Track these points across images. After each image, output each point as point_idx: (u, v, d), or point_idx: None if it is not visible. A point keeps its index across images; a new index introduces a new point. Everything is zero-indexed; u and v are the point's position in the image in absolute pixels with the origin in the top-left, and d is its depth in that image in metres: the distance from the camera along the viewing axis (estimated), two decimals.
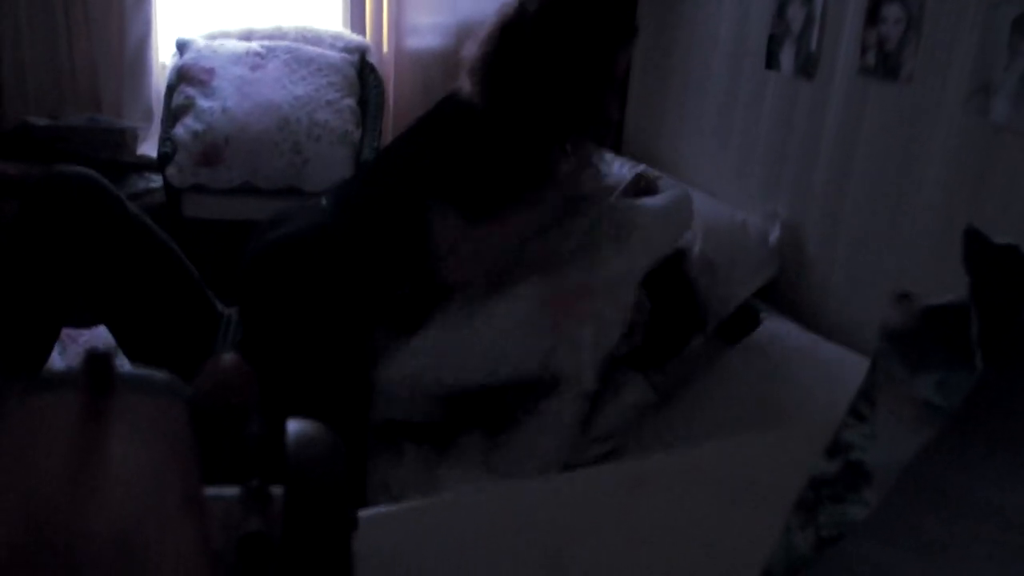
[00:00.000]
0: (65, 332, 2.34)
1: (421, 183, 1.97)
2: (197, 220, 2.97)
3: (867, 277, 2.04)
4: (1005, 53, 1.66)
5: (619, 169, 2.82)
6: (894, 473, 0.53)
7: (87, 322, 2.30)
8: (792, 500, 0.53)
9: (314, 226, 1.96)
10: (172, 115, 3.07)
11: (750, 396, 1.97)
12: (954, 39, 1.79)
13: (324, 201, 2.02)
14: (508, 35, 1.98)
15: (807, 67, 2.22)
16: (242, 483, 0.44)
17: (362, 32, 3.61)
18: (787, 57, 2.30)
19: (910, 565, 0.49)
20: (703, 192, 2.62)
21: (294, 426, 0.42)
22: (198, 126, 2.96)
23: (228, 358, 0.43)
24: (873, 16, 1.99)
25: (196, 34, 3.33)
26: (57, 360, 2.21)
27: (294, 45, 3.30)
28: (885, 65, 1.95)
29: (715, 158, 2.66)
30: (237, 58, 3.18)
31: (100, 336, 2.24)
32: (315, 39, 3.41)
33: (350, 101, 3.19)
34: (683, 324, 2.14)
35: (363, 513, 0.56)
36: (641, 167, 2.48)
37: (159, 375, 0.43)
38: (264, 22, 3.46)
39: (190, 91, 3.06)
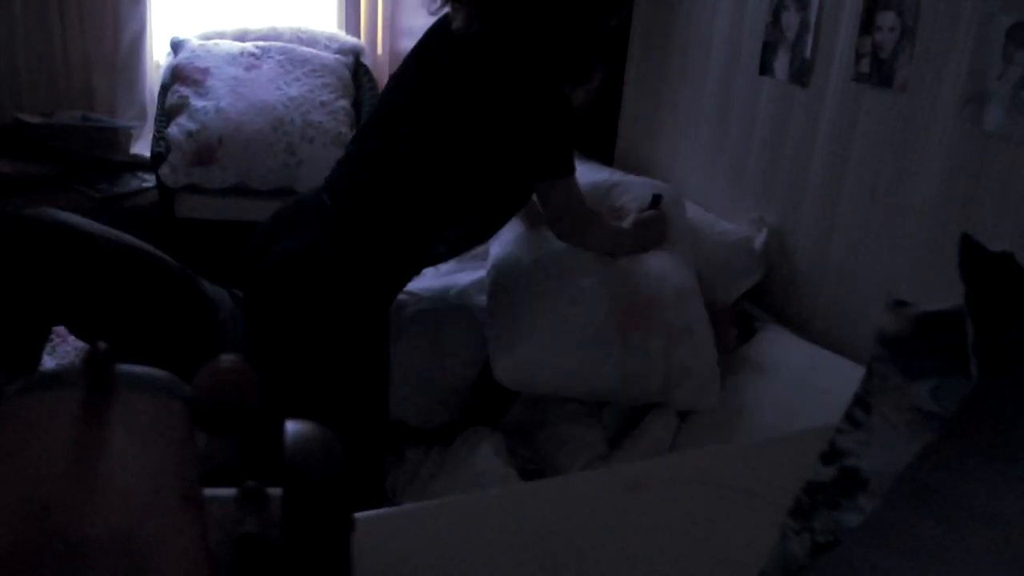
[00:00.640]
0: (56, 331, 2.33)
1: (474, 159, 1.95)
2: (190, 220, 2.96)
3: (860, 284, 2.05)
4: (999, 62, 1.67)
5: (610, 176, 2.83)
6: (889, 479, 0.53)
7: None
8: (787, 505, 0.53)
9: (323, 236, 1.93)
10: (166, 114, 3.06)
11: (744, 403, 1.97)
12: (948, 47, 1.79)
13: (326, 199, 1.98)
14: None
15: (801, 74, 2.22)
16: (239, 484, 0.44)
17: (356, 34, 3.61)
18: (781, 64, 2.30)
19: (905, 570, 0.49)
20: (696, 202, 2.63)
21: (292, 427, 0.42)
22: (192, 126, 2.95)
23: (228, 358, 0.43)
24: (868, 24, 1.99)
25: (191, 34, 3.32)
26: (47, 361, 2.21)
27: (288, 46, 3.30)
28: (879, 73, 1.96)
29: (708, 165, 2.67)
30: (231, 58, 3.17)
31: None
32: (310, 40, 3.41)
33: (344, 102, 3.18)
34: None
35: (360, 515, 0.56)
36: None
37: (159, 374, 0.43)
38: (259, 23, 3.46)
39: (184, 91, 3.05)
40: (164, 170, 2.93)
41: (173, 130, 2.96)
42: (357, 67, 3.39)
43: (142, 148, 3.26)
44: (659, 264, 2.09)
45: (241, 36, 3.38)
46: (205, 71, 3.09)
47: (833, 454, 0.55)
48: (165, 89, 3.14)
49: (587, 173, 2.52)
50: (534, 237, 2.19)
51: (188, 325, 1.89)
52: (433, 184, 1.94)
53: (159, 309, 1.87)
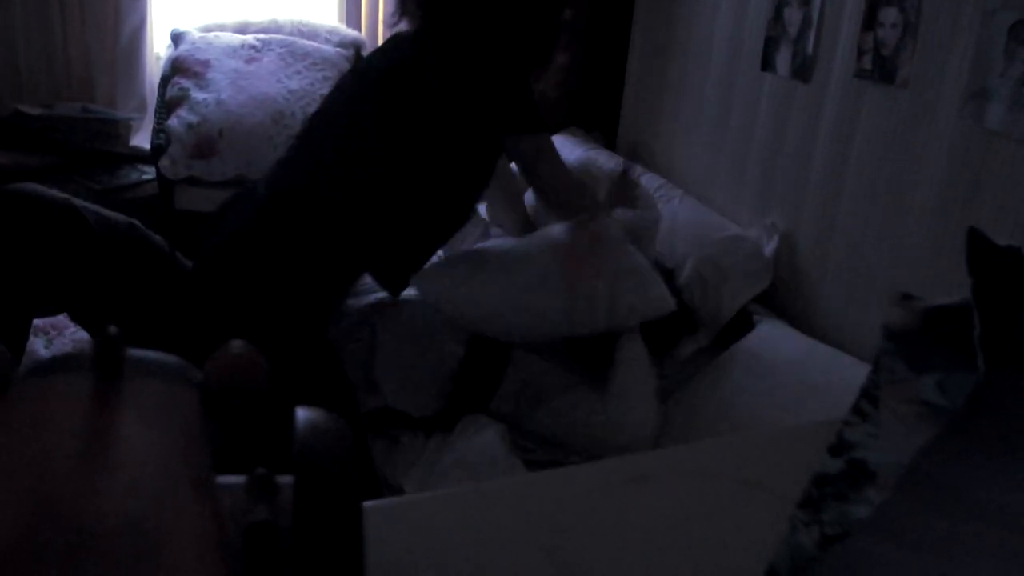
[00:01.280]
0: (50, 324, 2.33)
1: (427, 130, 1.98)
2: (190, 212, 2.96)
3: (861, 280, 2.05)
4: (1001, 59, 1.67)
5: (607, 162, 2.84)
6: (897, 472, 0.53)
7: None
8: (795, 497, 0.53)
9: (249, 224, 1.95)
10: (166, 107, 3.06)
11: (744, 398, 1.98)
12: (950, 44, 1.79)
13: (261, 188, 2.00)
14: None
15: (803, 70, 2.22)
16: (248, 471, 0.43)
17: (357, 27, 3.61)
18: (783, 60, 2.30)
19: (914, 563, 0.49)
20: (697, 197, 2.63)
21: (302, 414, 0.42)
22: (192, 118, 2.95)
23: (238, 344, 0.43)
24: (870, 20, 1.99)
25: (191, 26, 3.32)
26: (44, 353, 2.20)
27: (289, 39, 3.29)
28: (882, 69, 1.96)
29: (710, 159, 2.67)
30: (232, 51, 3.17)
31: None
32: (310, 33, 3.41)
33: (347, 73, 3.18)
34: (672, 325, 2.15)
35: (373, 504, 0.56)
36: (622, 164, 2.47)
37: (170, 359, 0.43)
38: (259, 15, 3.45)
39: (184, 83, 3.05)
40: (164, 162, 2.93)
41: (173, 122, 2.96)
42: (357, 60, 3.39)
43: (142, 140, 3.26)
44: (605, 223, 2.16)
45: (242, 28, 3.37)
46: (206, 63, 3.09)
47: (841, 446, 0.55)
48: (165, 81, 3.14)
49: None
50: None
51: (172, 303, 1.90)
52: (373, 186, 1.96)
53: (147, 288, 1.88)
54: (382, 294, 2.18)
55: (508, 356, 2.08)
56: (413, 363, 2.07)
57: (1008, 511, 0.52)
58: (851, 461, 0.55)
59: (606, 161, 2.65)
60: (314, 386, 1.89)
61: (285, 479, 0.43)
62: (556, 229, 2.14)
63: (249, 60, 3.15)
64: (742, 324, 2.19)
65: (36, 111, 3.03)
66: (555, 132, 3.16)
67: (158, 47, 3.40)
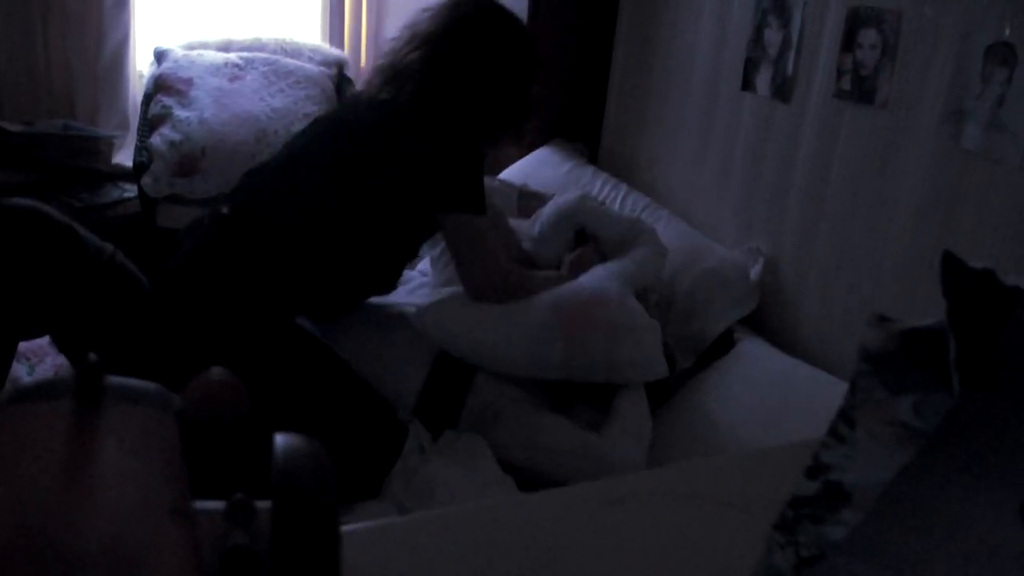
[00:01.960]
0: (32, 350, 2.32)
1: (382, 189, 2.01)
2: (172, 231, 2.95)
3: (841, 299, 2.06)
4: (977, 80, 1.69)
5: (591, 184, 2.85)
6: (873, 494, 0.54)
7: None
8: (772, 518, 0.53)
9: (200, 246, 1.97)
10: (148, 124, 3.05)
11: (723, 417, 1.98)
12: (928, 65, 1.81)
13: (225, 210, 2.02)
14: (436, 44, 2.10)
15: (783, 90, 2.24)
16: (227, 496, 0.44)
17: (340, 46, 3.61)
18: (763, 80, 2.32)
19: None
20: (679, 215, 2.64)
21: (281, 439, 0.42)
22: (175, 136, 2.94)
23: (217, 371, 0.43)
24: (849, 41, 2.01)
25: (174, 43, 3.31)
26: (26, 379, 2.19)
27: (272, 57, 3.29)
28: (861, 90, 1.98)
29: (692, 177, 2.68)
30: (215, 69, 3.17)
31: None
32: (294, 52, 3.41)
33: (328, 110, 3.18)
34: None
35: (351, 528, 0.56)
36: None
37: (149, 386, 0.43)
38: (243, 33, 3.45)
39: (167, 100, 3.04)
40: (146, 180, 2.92)
41: (156, 140, 2.95)
42: (341, 79, 3.39)
43: (124, 158, 3.25)
44: (599, 272, 2.16)
45: (225, 47, 3.37)
46: (188, 81, 3.09)
47: (817, 468, 0.56)
48: (148, 99, 3.13)
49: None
50: None
51: (143, 330, 1.89)
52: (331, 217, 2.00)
53: (126, 316, 1.88)
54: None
55: (471, 378, 2.08)
56: (376, 381, 2.08)
57: (984, 532, 0.52)
58: (827, 483, 0.55)
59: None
60: (292, 380, 1.89)
61: (263, 504, 0.43)
62: (557, 278, 2.18)
63: (232, 78, 3.15)
64: (723, 343, 2.20)
65: (17, 128, 3.02)
66: (540, 144, 3.18)
67: (141, 65, 3.39)
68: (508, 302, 2.08)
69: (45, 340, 2.34)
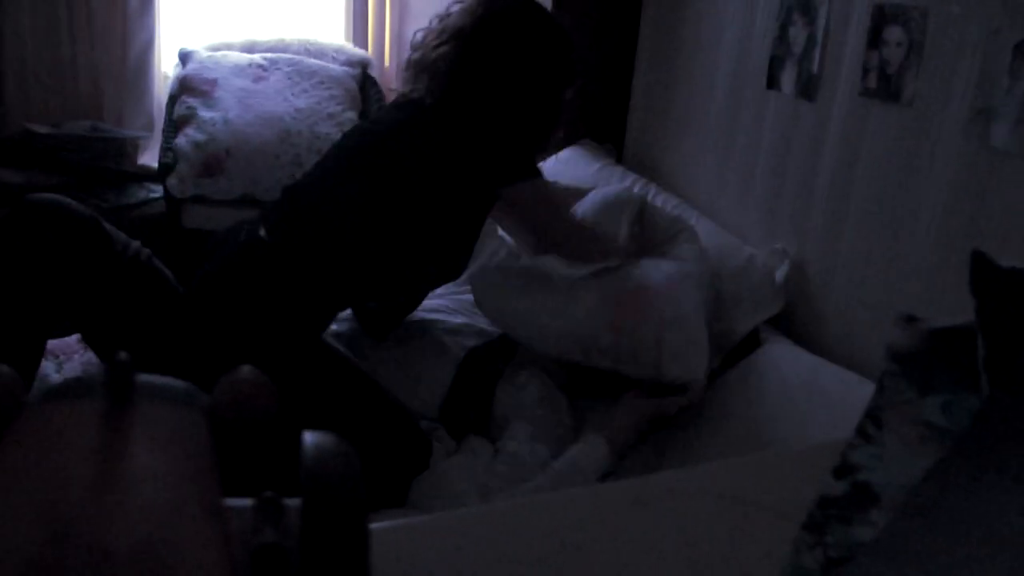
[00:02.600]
0: (60, 347, 2.33)
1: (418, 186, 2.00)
2: (197, 231, 2.97)
3: (866, 298, 2.05)
4: (1006, 78, 1.67)
5: (624, 179, 2.84)
6: (901, 494, 0.54)
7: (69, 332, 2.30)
8: (799, 519, 0.53)
9: (249, 265, 1.97)
10: (173, 125, 3.08)
11: (749, 417, 1.97)
12: (955, 63, 1.80)
13: (261, 232, 2.00)
14: (467, 40, 2.06)
15: (808, 88, 2.23)
16: (256, 494, 0.44)
17: (364, 46, 3.63)
18: (788, 78, 2.31)
19: None
20: (705, 214, 2.63)
21: (310, 437, 0.43)
22: (199, 137, 2.96)
23: (247, 369, 0.44)
24: (875, 39, 2.00)
25: (199, 45, 3.34)
26: (55, 377, 2.21)
27: (296, 58, 3.31)
28: (886, 87, 1.97)
29: (716, 177, 2.67)
30: (239, 70, 3.19)
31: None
32: (317, 52, 3.43)
33: (352, 114, 3.20)
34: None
35: (378, 526, 0.56)
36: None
37: (179, 384, 0.43)
38: (267, 34, 3.47)
39: (192, 102, 3.07)
40: (172, 181, 2.94)
41: (181, 141, 2.98)
42: (364, 79, 3.41)
43: (150, 159, 3.28)
44: (667, 277, 2.12)
45: (249, 48, 3.39)
46: (213, 82, 3.11)
47: (845, 468, 0.56)
48: (173, 100, 3.16)
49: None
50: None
51: (174, 330, 1.90)
52: (373, 231, 1.98)
53: (155, 314, 1.88)
54: None
55: (495, 385, 2.08)
56: (402, 387, 2.08)
57: (1014, 534, 0.52)
58: (855, 483, 0.55)
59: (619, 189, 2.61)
60: (321, 394, 1.90)
61: (293, 502, 0.43)
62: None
63: (256, 79, 3.17)
64: (749, 342, 2.19)
65: (44, 130, 3.05)
66: (567, 145, 3.17)
67: (166, 66, 3.42)
68: (586, 260, 2.08)
69: (73, 338, 2.36)
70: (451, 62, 2.04)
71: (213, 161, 2.95)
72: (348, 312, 2.24)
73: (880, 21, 1.98)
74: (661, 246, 2.29)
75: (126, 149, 3.23)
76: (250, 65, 3.22)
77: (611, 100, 3.26)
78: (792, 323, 2.27)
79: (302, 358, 1.93)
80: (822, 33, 2.18)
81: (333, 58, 3.41)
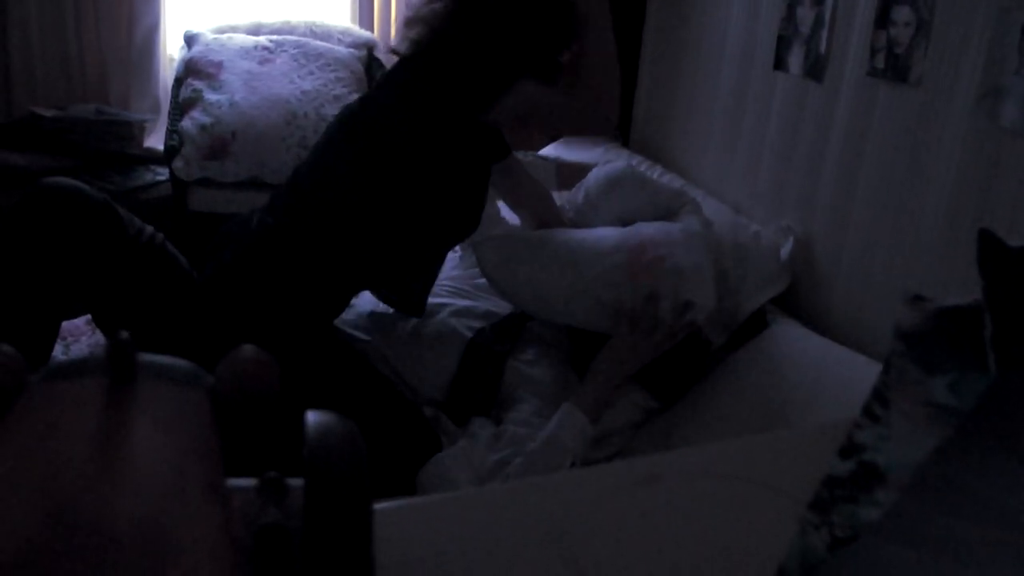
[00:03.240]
0: (68, 329, 2.34)
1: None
2: (203, 214, 2.97)
3: (874, 279, 2.04)
4: (1015, 57, 1.66)
5: (629, 160, 2.83)
6: (908, 474, 0.53)
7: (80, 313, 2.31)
8: (806, 499, 0.53)
9: (254, 243, 1.96)
10: (179, 108, 3.08)
11: (757, 398, 1.97)
12: (964, 42, 1.78)
13: (270, 219, 1.99)
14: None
15: (816, 69, 2.22)
16: (259, 474, 0.44)
17: (370, 28, 3.62)
18: (796, 59, 2.29)
19: (923, 565, 0.49)
20: (712, 195, 2.62)
21: (313, 417, 0.43)
22: (205, 119, 2.96)
23: (249, 348, 0.44)
24: (883, 18, 1.99)
25: (204, 27, 3.33)
26: (61, 358, 2.21)
27: (302, 40, 3.30)
28: (895, 68, 1.95)
29: (723, 159, 2.66)
30: (245, 52, 3.18)
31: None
32: (323, 34, 3.42)
33: (357, 96, 3.19)
34: (687, 356, 2.14)
35: (381, 506, 0.56)
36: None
37: (181, 363, 0.43)
38: (272, 16, 3.47)
39: (198, 84, 3.06)
40: (177, 163, 2.94)
41: (187, 123, 2.97)
42: (370, 61, 3.40)
43: (155, 141, 3.27)
44: (666, 237, 2.13)
45: (255, 30, 3.38)
46: (219, 65, 3.10)
47: (851, 448, 0.55)
48: (179, 83, 3.15)
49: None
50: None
51: (186, 314, 1.90)
52: (373, 206, 1.98)
53: (166, 297, 1.88)
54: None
55: (503, 365, 2.08)
56: (408, 369, 2.09)
57: (1020, 512, 0.52)
58: (861, 463, 0.55)
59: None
60: (332, 386, 1.90)
61: (296, 482, 0.43)
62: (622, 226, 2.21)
63: (262, 61, 3.16)
64: (755, 323, 2.19)
65: (50, 113, 3.05)
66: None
67: (171, 49, 3.41)
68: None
69: (81, 320, 2.36)
70: (444, 17, 2.00)
71: (219, 144, 2.95)
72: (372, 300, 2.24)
73: (888, 1, 1.97)
74: (665, 220, 2.29)
75: (132, 132, 3.23)
76: (256, 47, 3.21)
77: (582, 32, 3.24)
78: (799, 304, 2.26)
79: (313, 345, 1.93)
80: (830, 13, 2.17)
81: (339, 40, 3.41)
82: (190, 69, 3.12)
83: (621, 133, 3.24)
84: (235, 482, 0.43)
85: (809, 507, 0.52)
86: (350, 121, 2.08)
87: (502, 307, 2.22)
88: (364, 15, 3.65)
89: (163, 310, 1.86)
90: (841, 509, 0.52)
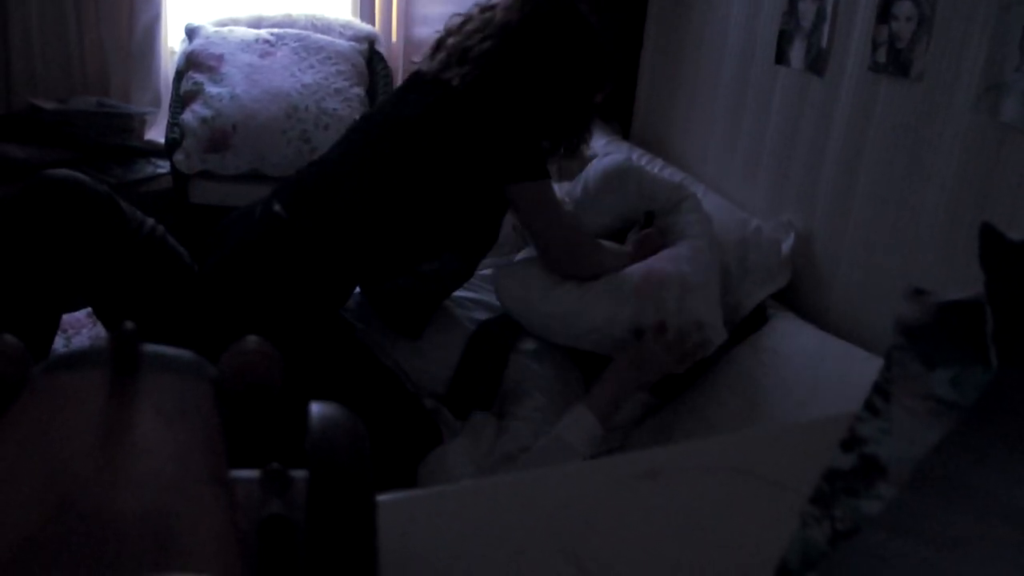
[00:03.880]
0: (69, 322, 2.34)
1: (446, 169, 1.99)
2: (204, 206, 2.97)
3: (874, 274, 2.04)
4: (1016, 53, 1.66)
5: (629, 153, 2.83)
6: (908, 467, 0.53)
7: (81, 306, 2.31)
8: (807, 492, 0.53)
9: (266, 242, 1.95)
10: (180, 101, 3.07)
11: (757, 392, 1.97)
12: (966, 38, 1.78)
13: (279, 211, 1.98)
14: (510, 37, 2.04)
15: (817, 63, 2.22)
16: (262, 465, 0.44)
17: (371, 21, 3.61)
18: (797, 53, 2.29)
19: (924, 558, 0.49)
20: (712, 189, 2.62)
21: (316, 408, 0.43)
22: (206, 112, 2.96)
23: (253, 339, 0.44)
24: (884, 13, 1.99)
25: (205, 20, 3.33)
26: (62, 350, 2.21)
27: (303, 33, 3.30)
28: (896, 62, 1.95)
29: (724, 152, 2.66)
30: (246, 45, 3.18)
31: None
32: (324, 27, 3.41)
33: (358, 90, 3.19)
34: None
35: (384, 498, 0.56)
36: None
37: (185, 354, 0.43)
38: (274, 9, 3.46)
39: (199, 77, 3.06)
40: (178, 156, 2.94)
41: (187, 116, 2.97)
42: (372, 55, 3.39)
43: (156, 134, 3.27)
44: (672, 256, 2.13)
45: (256, 23, 3.38)
46: (220, 58, 3.10)
47: (853, 441, 0.55)
48: (180, 75, 3.15)
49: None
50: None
51: (187, 306, 1.90)
52: (394, 213, 1.97)
53: (168, 289, 1.88)
54: None
55: (506, 359, 2.08)
56: (411, 363, 2.09)
57: (1021, 505, 0.52)
58: (863, 456, 0.55)
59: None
60: (334, 378, 1.90)
61: (299, 473, 0.43)
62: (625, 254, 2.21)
63: (263, 54, 3.16)
64: (756, 318, 2.19)
65: (51, 105, 3.04)
66: None
67: (172, 41, 3.40)
68: (583, 274, 2.10)
69: (82, 312, 2.36)
70: (493, 56, 2.02)
71: (220, 137, 2.94)
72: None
73: None
74: (664, 216, 2.29)
75: (133, 125, 3.23)
76: (257, 40, 3.20)
77: (616, 54, 3.24)
78: (799, 299, 2.26)
79: (316, 337, 1.93)
80: (831, 7, 2.17)
81: (340, 33, 3.40)
82: (191, 62, 3.12)
83: (622, 126, 3.23)
84: (238, 473, 0.43)
85: (810, 500, 0.53)
86: (380, 130, 2.07)
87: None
88: (365, 9, 3.64)
89: (164, 303, 1.86)
90: (842, 502, 0.52)
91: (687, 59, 2.86)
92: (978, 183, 1.75)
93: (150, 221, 1.91)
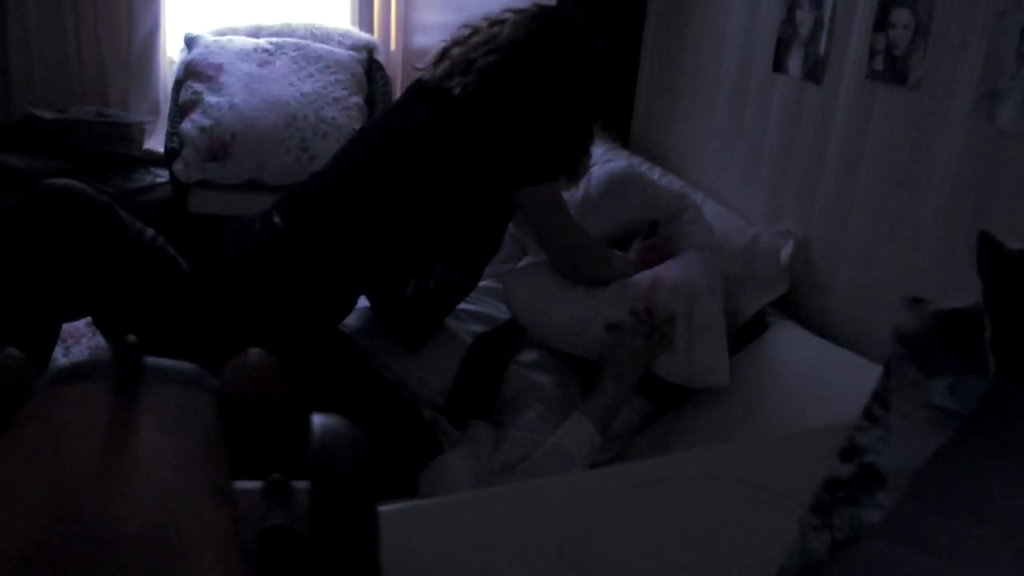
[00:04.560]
0: (68, 332, 2.34)
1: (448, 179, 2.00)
2: (203, 216, 2.97)
3: (873, 282, 2.04)
4: (1013, 60, 1.67)
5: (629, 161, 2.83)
6: (908, 476, 0.54)
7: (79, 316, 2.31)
8: (806, 502, 0.53)
9: (266, 254, 1.95)
10: (179, 110, 3.08)
11: (756, 401, 1.97)
12: (962, 45, 1.79)
13: (280, 224, 1.98)
14: (516, 54, 2.05)
15: (815, 71, 2.22)
16: (264, 477, 0.44)
17: (370, 30, 3.62)
18: (795, 61, 2.30)
19: (923, 566, 0.49)
20: (711, 197, 2.62)
21: (318, 420, 0.43)
22: (205, 122, 2.96)
23: (255, 351, 0.44)
24: (882, 21, 1.99)
25: (204, 30, 3.33)
26: (62, 361, 2.21)
27: (302, 42, 3.31)
28: (893, 70, 1.96)
29: (722, 160, 2.66)
30: (245, 54, 3.18)
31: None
32: (323, 36, 3.42)
33: (357, 99, 3.19)
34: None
35: (386, 509, 0.56)
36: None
37: (187, 366, 0.44)
38: (272, 19, 3.47)
39: (198, 86, 3.06)
40: (177, 166, 2.94)
41: (187, 126, 2.98)
42: (370, 63, 3.40)
43: (156, 144, 3.28)
44: (681, 264, 2.13)
45: (255, 32, 3.39)
46: (219, 67, 3.11)
47: (852, 450, 0.56)
48: (179, 85, 3.16)
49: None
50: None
51: (187, 317, 1.90)
52: (397, 226, 1.97)
53: (167, 299, 1.88)
54: None
55: (503, 370, 2.09)
56: (409, 373, 2.09)
57: (1020, 514, 0.52)
58: (862, 465, 0.55)
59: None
60: (334, 389, 1.90)
61: (301, 484, 0.43)
62: (631, 262, 2.22)
63: (262, 64, 3.16)
64: (755, 326, 2.19)
65: (50, 115, 3.05)
66: None
67: (171, 51, 3.41)
68: (592, 276, 2.11)
69: (81, 322, 2.36)
70: (497, 69, 2.03)
71: (219, 146, 2.95)
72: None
73: (887, 3, 1.97)
74: (667, 225, 2.29)
75: (132, 134, 3.24)
76: (256, 50, 3.21)
77: (617, 82, 3.25)
78: (798, 307, 2.26)
79: (317, 348, 1.93)
80: (829, 16, 2.17)
81: (339, 42, 3.41)
82: (190, 71, 3.13)
83: (621, 134, 3.24)
84: (240, 484, 0.43)
85: (810, 509, 0.53)
86: (381, 141, 2.07)
87: (503, 312, 2.22)
88: (364, 17, 3.65)
89: (164, 313, 1.86)
90: (842, 511, 0.52)
91: (686, 67, 2.86)
92: (976, 190, 1.76)
93: (150, 231, 1.91)
